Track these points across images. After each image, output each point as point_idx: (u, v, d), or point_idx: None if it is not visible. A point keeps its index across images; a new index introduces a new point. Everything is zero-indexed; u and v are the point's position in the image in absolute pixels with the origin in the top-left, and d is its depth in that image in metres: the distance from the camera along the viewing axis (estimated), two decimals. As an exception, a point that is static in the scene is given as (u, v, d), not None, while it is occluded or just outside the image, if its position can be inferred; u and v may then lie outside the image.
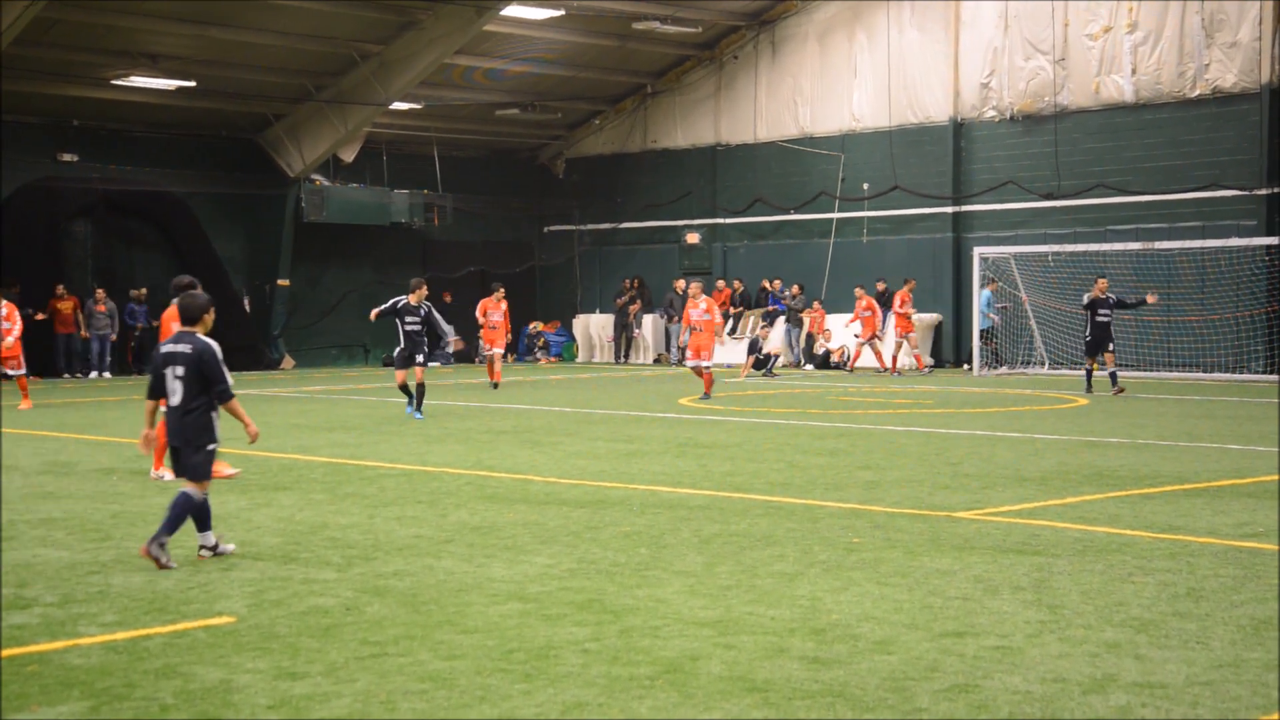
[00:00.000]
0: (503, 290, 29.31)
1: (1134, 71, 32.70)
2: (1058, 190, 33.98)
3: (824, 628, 7.74)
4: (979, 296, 33.03)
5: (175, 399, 9.99)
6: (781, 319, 37.74)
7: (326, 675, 6.89)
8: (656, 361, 40.06)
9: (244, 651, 7.34)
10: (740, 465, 15.19)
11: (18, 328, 23.56)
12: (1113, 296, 26.25)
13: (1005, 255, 33.54)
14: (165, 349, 10.06)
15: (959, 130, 35.58)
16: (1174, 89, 32.20)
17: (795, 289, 37.26)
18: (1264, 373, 29.67)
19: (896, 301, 33.29)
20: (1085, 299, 26.11)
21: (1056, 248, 32.83)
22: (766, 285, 38.57)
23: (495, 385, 27.96)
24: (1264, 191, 30.96)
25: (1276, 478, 13.78)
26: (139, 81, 34.03)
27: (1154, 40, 32.38)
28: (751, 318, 38.50)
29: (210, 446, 10.03)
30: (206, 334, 10.11)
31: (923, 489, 13.23)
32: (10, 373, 23.85)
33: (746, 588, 8.83)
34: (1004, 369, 33.05)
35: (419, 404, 21.63)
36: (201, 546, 9.96)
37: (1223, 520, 11.27)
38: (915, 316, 35.73)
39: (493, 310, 28.63)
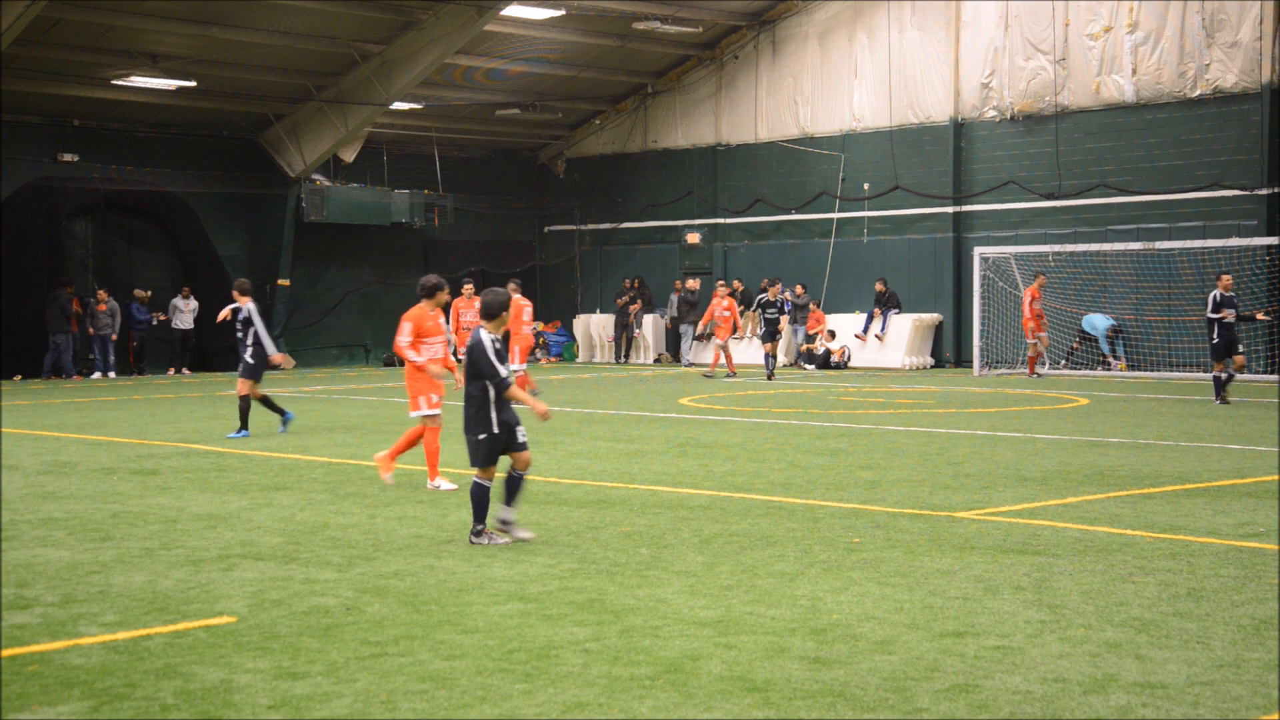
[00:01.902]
0: (473, 286, 25.33)
1: (1134, 71, 32.69)
2: (1058, 190, 33.98)
3: (824, 628, 7.74)
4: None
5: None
6: (784, 319, 37.70)
7: (327, 675, 6.89)
8: (657, 361, 40.06)
9: (244, 651, 7.34)
10: (741, 465, 15.19)
11: None
12: (1233, 294, 23.88)
13: (1006, 255, 33.54)
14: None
15: (959, 130, 35.58)
16: (1175, 89, 32.19)
17: (799, 289, 37.26)
18: (1264, 373, 29.67)
19: (1027, 299, 31.24)
20: (1215, 298, 23.41)
21: (1057, 248, 32.83)
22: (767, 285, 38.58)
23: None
24: (1265, 191, 30.95)
25: (1277, 478, 13.78)
26: (139, 81, 34.02)
27: (1154, 40, 32.37)
28: (752, 318, 38.50)
29: (480, 436, 10.39)
30: (500, 330, 10.61)
31: (923, 489, 13.23)
32: None
33: (747, 588, 8.83)
34: (1004, 369, 33.05)
35: (243, 422, 19.02)
36: (499, 525, 10.60)
37: (1223, 520, 11.27)
38: (916, 318, 35.73)
39: (465, 310, 25.03)
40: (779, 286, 32.43)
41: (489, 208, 42.98)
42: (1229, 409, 22.49)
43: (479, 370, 10.36)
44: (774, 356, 31.73)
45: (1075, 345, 33.07)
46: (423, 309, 14.06)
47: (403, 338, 13.91)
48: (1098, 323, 32.54)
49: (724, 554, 9.98)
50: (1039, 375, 31.26)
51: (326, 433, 19.59)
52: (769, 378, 30.95)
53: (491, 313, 10.54)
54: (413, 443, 13.95)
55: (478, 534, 10.43)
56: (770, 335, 31.63)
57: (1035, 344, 31.38)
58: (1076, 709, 6.27)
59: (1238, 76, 31.25)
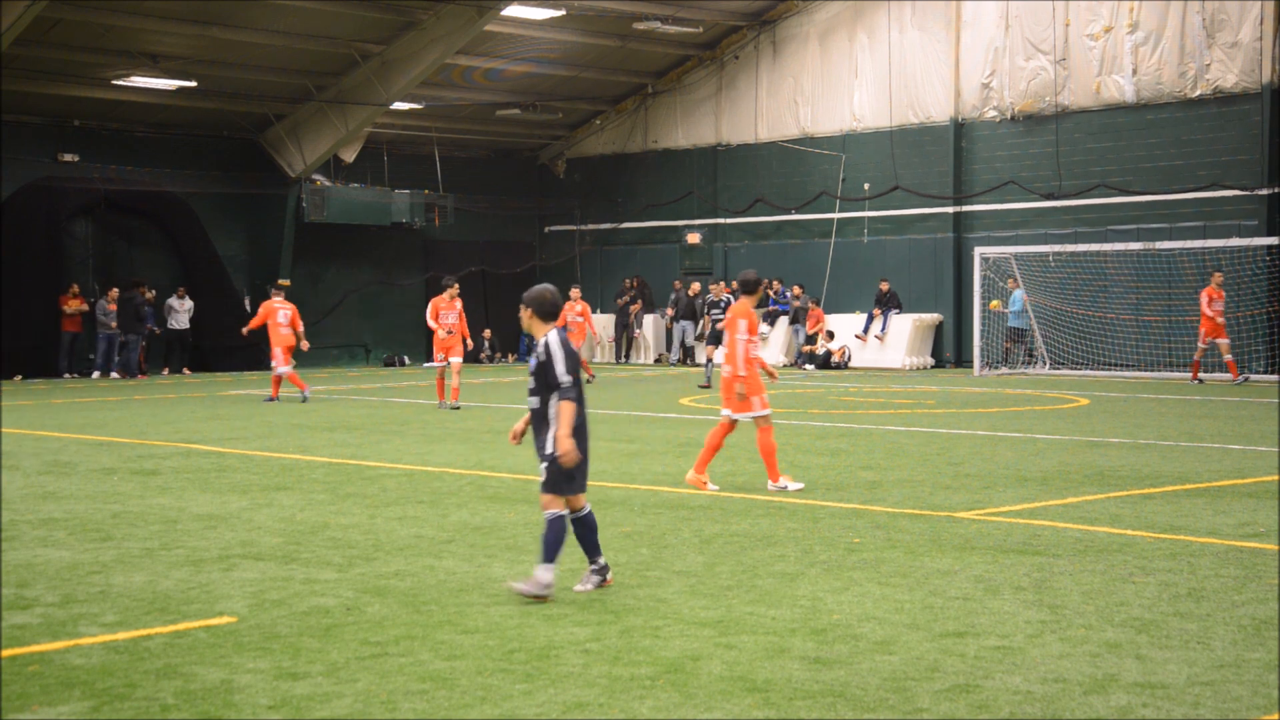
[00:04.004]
0: (457, 286, 24.31)
1: (1135, 71, 32.70)
2: (1059, 190, 33.98)
3: (825, 628, 7.74)
4: (1011, 298, 32.91)
5: None
6: (784, 319, 37.75)
7: (327, 675, 6.89)
8: (657, 361, 40.06)
9: (245, 651, 7.34)
10: (741, 465, 15.18)
11: None
12: None
13: (1006, 255, 33.54)
14: None
15: (960, 130, 35.58)
16: (1175, 89, 32.20)
17: (796, 289, 37.28)
18: (1265, 373, 29.65)
19: (1205, 300, 28.75)
20: None
21: (1057, 248, 32.84)
22: (767, 285, 38.61)
23: (455, 406, 23.26)
24: (1265, 191, 30.96)
25: (1277, 478, 13.78)
26: (139, 81, 34.04)
27: (1155, 40, 32.38)
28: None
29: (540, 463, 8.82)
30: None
31: (924, 489, 13.23)
32: None
33: (747, 588, 8.83)
34: (1004, 369, 33.05)
35: None
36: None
37: (1224, 520, 11.27)
38: (916, 318, 35.72)
39: (446, 311, 23.84)
40: (722, 285, 30.19)
41: (489, 208, 42.99)
42: (1229, 409, 22.49)
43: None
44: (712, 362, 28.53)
45: (1008, 345, 33.27)
46: (747, 305, 13.48)
47: (741, 335, 13.30)
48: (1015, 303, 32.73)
49: (724, 554, 9.98)
50: (1201, 380, 28.95)
51: (327, 432, 19.59)
52: (705, 385, 28.17)
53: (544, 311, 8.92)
54: (717, 448, 13.41)
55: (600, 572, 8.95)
56: (716, 338, 28.21)
57: (1205, 347, 28.83)
58: (1077, 709, 6.27)
59: (1238, 76, 31.26)
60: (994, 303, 32.97)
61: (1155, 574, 9.14)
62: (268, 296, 27.22)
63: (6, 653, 7.34)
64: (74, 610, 8.36)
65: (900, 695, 6.48)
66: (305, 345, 26.69)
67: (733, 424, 13.42)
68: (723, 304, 29.19)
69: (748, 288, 13.58)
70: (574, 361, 8.68)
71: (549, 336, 8.72)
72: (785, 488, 13.12)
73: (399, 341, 40.81)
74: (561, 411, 8.59)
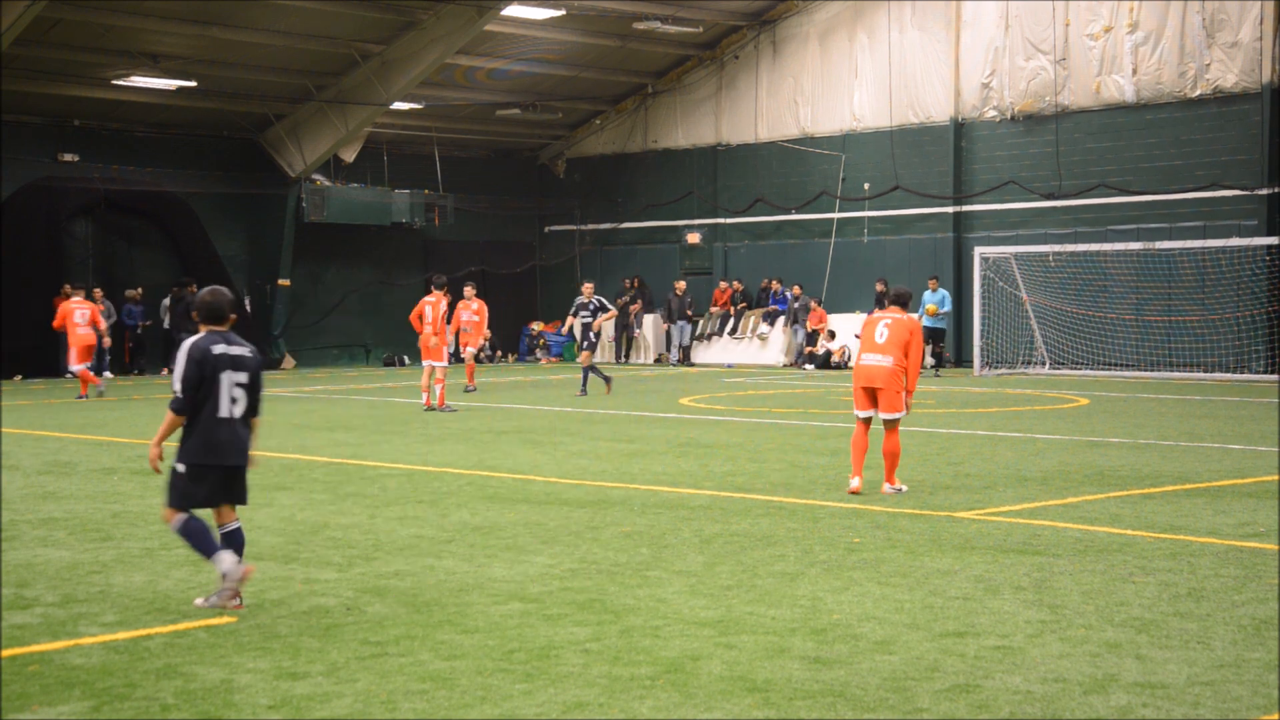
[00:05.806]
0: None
1: (1135, 71, 32.69)
2: (1059, 190, 33.98)
3: (825, 628, 7.74)
4: (931, 294, 33.02)
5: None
6: (781, 319, 37.76)
7: (327, 675, 6.89)
8: (657, 361, 40.05)
9: (245, 651, 7.34)
10: (741, 465, 15.19)
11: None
12: None
13: (1006, 255, 33.54)
14: None
15: (960, 130, 35.57)
16: (1175, 89, 32.19)
17: (796, 289, 37.27)
18: (1265, 372, 29.63)
19: None
20: None
21: (1057, 248, 32.83)
22: (767, 284, 38.62)
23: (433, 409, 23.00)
24: (1265, 191, 30.94)
25: (1277, 478, 13.78)
26: (139, 81, 34.03)
27: (1155, 40, 32.37)
28: (753, 318, 38.52)
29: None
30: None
31: (924, 489, 13.23)
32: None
33: (747, 588, 8.83)
34: (1004, 369, 33.04)
35: None
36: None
37: (1224, 520, 11.27)
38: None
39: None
40: (592, 286, 28.34)
41: (489, 208, 42.98)
42: (1229, 409, 22.48)
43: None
44: (596, 370, 26.45)
45: (943, 351, 33.42)
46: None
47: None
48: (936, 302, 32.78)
49: (724, 554, 9.98)
50: None
51: (327, 432, 19.59)
52: (580, 393, 26.11)
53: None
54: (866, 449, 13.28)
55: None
56: (586, 343, 26.72)
57: None
58: (1077, 709, 6.27)
59: (1238, 76, 31.25)
60: (930, 307, 32.88)
61: (1155, 574, 9.14)
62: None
63: (6, 653, 7.34)
64: (74, 610, 8.36)
65: (900, 695, 6.48)
66: (107, 341, 28.69)
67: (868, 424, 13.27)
68: (591, 306, 27.17)
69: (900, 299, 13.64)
70: (192, 372, 8.40)
71: (185, 343, 8.46)
72: (901, 490, 13.04)
73: (399, 341, 40.80)
74: (164, 420, 8.63)
